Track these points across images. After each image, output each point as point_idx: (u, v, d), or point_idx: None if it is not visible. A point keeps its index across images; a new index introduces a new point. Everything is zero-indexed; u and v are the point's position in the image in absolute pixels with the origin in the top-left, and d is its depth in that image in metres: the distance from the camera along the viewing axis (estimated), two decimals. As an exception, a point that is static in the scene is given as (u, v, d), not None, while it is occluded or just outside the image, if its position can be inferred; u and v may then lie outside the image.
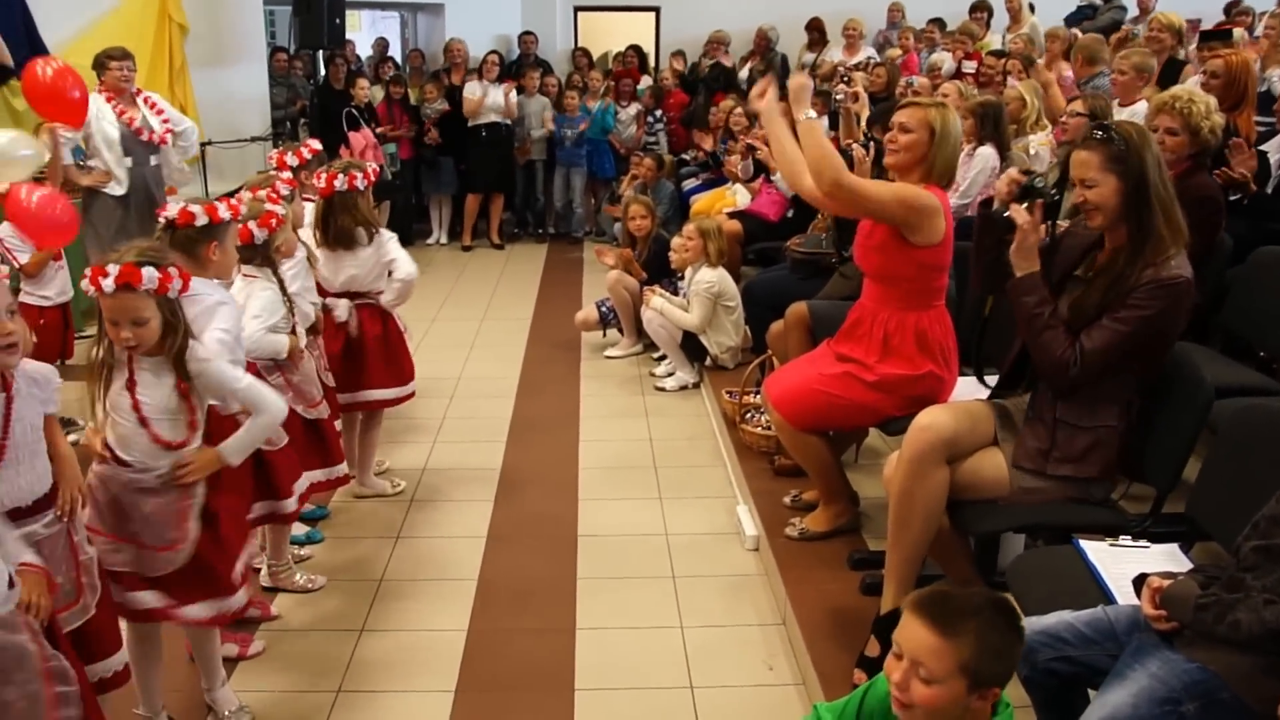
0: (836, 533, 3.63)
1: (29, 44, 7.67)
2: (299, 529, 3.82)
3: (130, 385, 2.52)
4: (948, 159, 3.27)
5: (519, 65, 10.08)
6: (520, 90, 9.42)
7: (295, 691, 3.07)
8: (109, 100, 5.75)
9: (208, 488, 2.65)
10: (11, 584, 1.98)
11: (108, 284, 2.39)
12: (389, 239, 4.05)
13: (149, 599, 2.60)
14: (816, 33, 10.15)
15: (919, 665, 1.81)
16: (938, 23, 9.60)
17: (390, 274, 4.08)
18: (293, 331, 3.39)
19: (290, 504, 3.27)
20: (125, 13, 8.18)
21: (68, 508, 2.36)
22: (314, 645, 3.29)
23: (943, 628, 1.80)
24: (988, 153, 5.02)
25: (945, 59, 8.16)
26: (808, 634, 3.09)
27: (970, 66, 7.23)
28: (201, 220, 2.87)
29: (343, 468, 3.71)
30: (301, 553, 3.78)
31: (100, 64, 5.82)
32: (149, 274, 2.41)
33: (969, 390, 3.26)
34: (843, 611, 3.17)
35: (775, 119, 3.40)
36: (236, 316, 2.95)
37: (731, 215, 6.63)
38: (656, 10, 11.75)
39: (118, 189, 5.79)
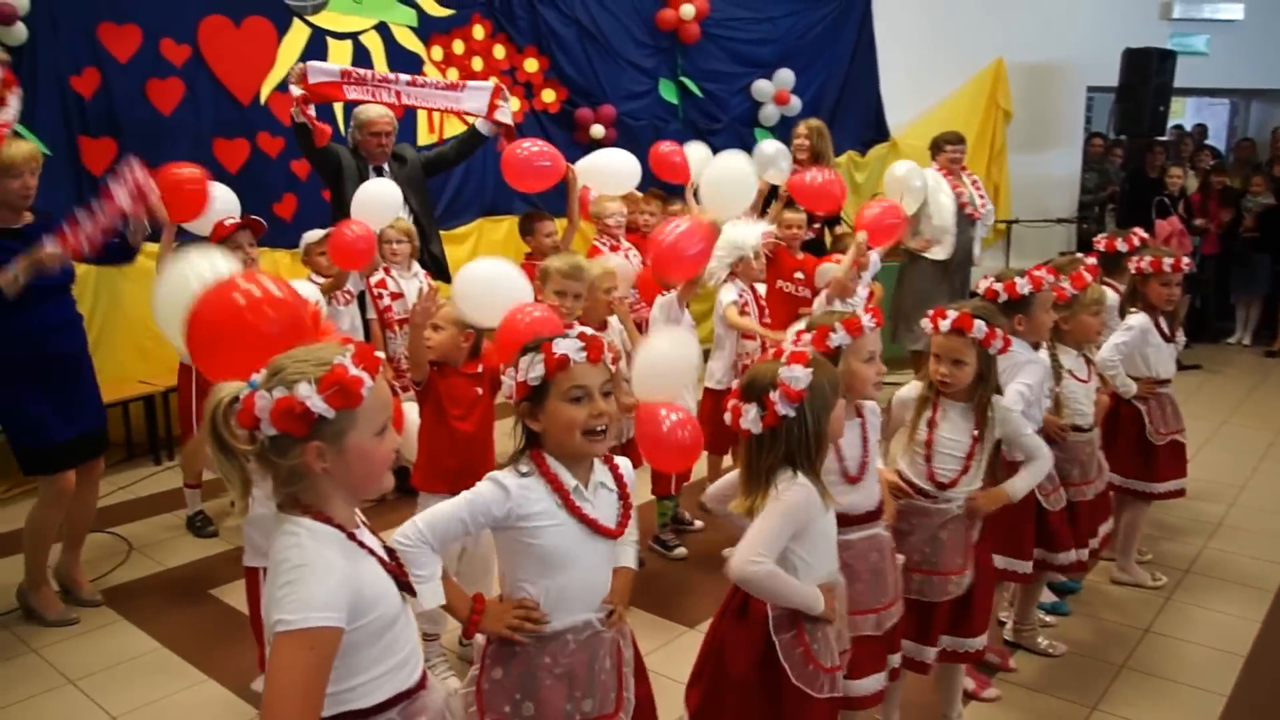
0: None
1: (876, 127, 9.05)
2: (1048, 596, 3.95)
3: (931, 422, 2.90)
4: None
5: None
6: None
7: (1019, 743, 3.21)
8: (944, 175, 6.51)
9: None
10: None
11: (944, 324, 2.84)
12: (1123, 326, 4.07)
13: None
14: None
15: None
16: None
17: None
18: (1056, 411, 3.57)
19: (1062, 558, 3.48)
20: (958, 100, 9.19)
21: (890, 522, 2.73)
22: (1043, 708, 3.39)
23: None
24: None
25: None
26: None
27: None
28: (1003, 296, 3.23)
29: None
30: (1046, 619, 3.89)
31: (937, 146, 6.63)
32: (978, 325, 2.79)
33: None
34: None
35: None
36: (1041, 375, 3.28)
37: None
38: None
39: (940, 254, 6.50)
